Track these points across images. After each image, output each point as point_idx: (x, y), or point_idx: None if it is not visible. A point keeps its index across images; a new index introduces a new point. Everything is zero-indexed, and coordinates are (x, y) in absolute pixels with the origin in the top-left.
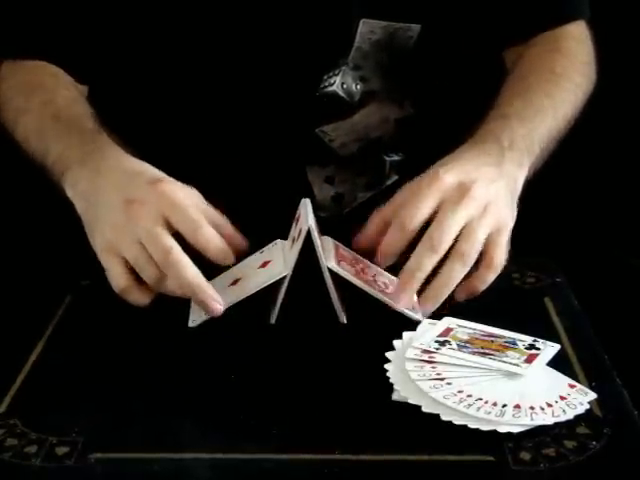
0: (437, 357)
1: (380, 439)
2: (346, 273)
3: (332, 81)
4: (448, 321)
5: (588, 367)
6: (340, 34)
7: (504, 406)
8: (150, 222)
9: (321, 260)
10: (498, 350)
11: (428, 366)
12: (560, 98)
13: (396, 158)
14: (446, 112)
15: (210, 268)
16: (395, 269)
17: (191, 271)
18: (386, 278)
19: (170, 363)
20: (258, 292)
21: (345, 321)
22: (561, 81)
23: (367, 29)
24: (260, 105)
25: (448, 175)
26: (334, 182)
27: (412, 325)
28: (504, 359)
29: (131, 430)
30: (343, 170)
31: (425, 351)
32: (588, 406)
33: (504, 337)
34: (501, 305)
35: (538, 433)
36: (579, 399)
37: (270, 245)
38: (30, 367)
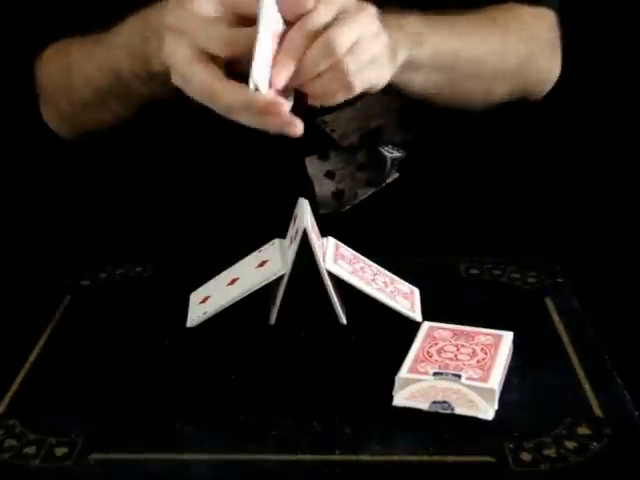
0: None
1: (380, 439)
2: (344, 273)
3: None
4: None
5: (589, 367)
6: None
7: None
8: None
9: (319, 261)
10: None
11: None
12: (483, 33)
13: (397, 155)
14: None
15: None
16: (393, 269)
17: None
18: (386, 277)
19: (170, 363)
20: (257, 292)
21: (345, 321)
22: (495, 27)
23: None
24: None
25: None
26: (334, 177)
27: (412, 325)
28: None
29: (131, 430)
30: (344, 164)
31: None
32: None
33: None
34: (501, 305)
35: (539, 434)
36: None
37: (268, 244)
38: (29, 367)
